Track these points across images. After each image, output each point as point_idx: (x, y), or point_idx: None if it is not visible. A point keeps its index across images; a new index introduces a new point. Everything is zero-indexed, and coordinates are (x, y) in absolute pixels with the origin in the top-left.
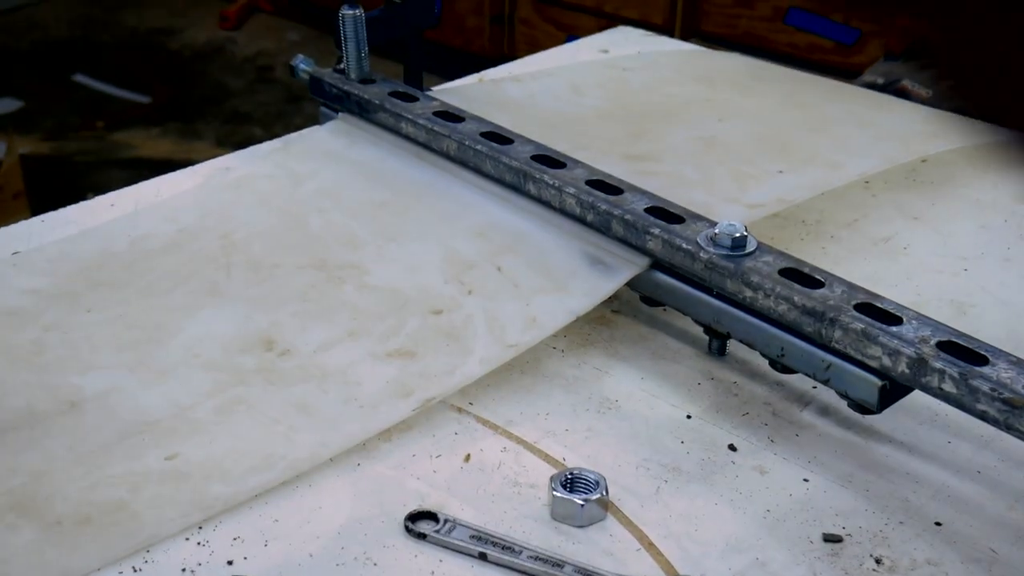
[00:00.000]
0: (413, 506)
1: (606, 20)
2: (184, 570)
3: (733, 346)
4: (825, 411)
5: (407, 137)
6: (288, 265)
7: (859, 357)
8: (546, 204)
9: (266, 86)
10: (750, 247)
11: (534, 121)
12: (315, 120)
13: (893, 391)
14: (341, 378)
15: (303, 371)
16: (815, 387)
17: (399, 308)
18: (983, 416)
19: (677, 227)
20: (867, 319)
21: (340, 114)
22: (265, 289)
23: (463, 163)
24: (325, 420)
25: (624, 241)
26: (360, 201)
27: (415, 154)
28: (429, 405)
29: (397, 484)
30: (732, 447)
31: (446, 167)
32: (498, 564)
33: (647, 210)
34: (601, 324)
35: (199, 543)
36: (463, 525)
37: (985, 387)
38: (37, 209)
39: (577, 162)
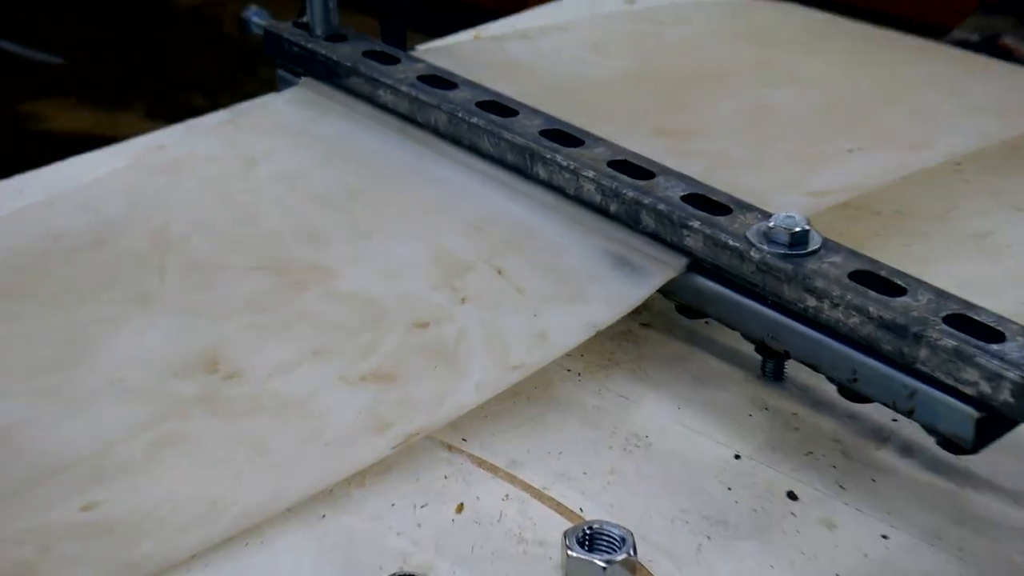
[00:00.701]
0: (393, 568)
1: None
2: None
3: (792, 368)
4: (908, 450)
5: (385, 108)
6: (237, 267)
7: (951, 382)
8: (559, 191)
9: (211, 44)
10: (813, 244)
11: (544, 87)
12: (271, 87)
13: (993, 425)
14: (303, 408)
15: (255, 400)
16: (895, 420)
17: (375, 320)
18: None
19: (722, 219)
20: (961, 335)
21: (302, 79)
22: (208, 297)
23: (455, 140)
24: (283, 460)
25: (656, 237)
26: (327, 188)
27: (396, 129)
28: (413, 441)
29: (372, 541)
30: (792, 495)
31: (434, 145)
32: None
33: (685, 198)
34: (628, 340)
35: None
36: None
37: None
38: None
39: (598, 139)
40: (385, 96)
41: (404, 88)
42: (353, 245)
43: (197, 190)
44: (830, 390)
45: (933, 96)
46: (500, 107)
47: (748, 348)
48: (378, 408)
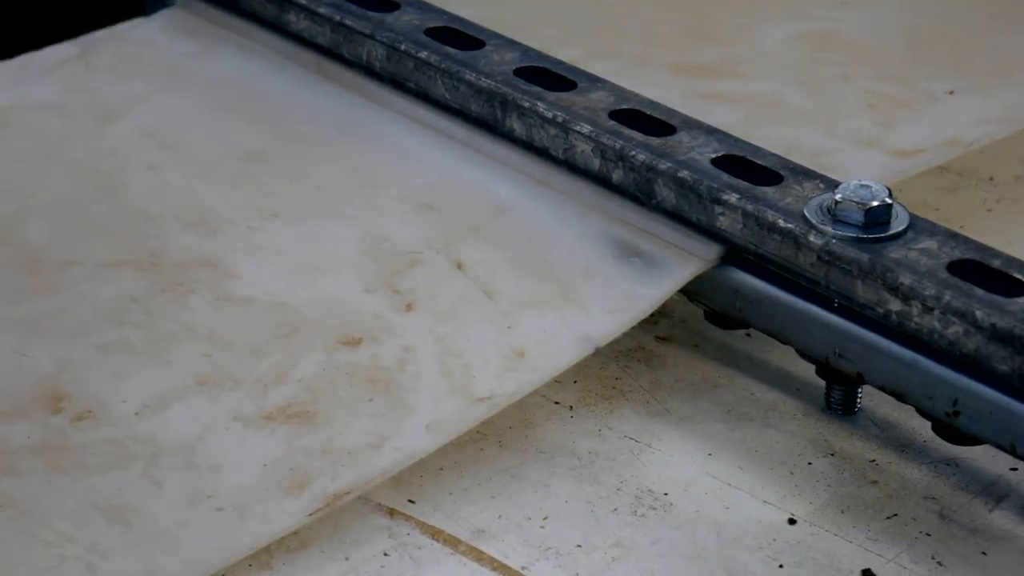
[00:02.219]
0: None
1: None
2: None
3: (869, 398)
4: None
5: (298, 38)
6: (91, 262)
7: None
8: (541, 153)
9: None
10: (898, 224)
11: (520, 7)
12: (137, 8)
13: None
14: (185, 459)
15: (118, 448)
16: (1015, 468)
17: (286, 336)
18: None
19: (769, 191)
20: None
21: None
22: (48, 305)
23: (396, 83)
24: (156, 535)
25: (677, 216)
26: (217, 150)
27: (313, 67)
28: (338, 504)
29: None
30: (869, 574)
31: (366, 90)
32: None
33: (717, 161)
34: (639, 361)
35: None
36: None
37: None
38: None
39: (595, 79)
40: (297, 20)
41: (324, 9)
42: (254, 231)
43: (31, 154)
44: (922, 428)
45: None
46: (459, 35)
47: (807, 370)
48: (291, 459)
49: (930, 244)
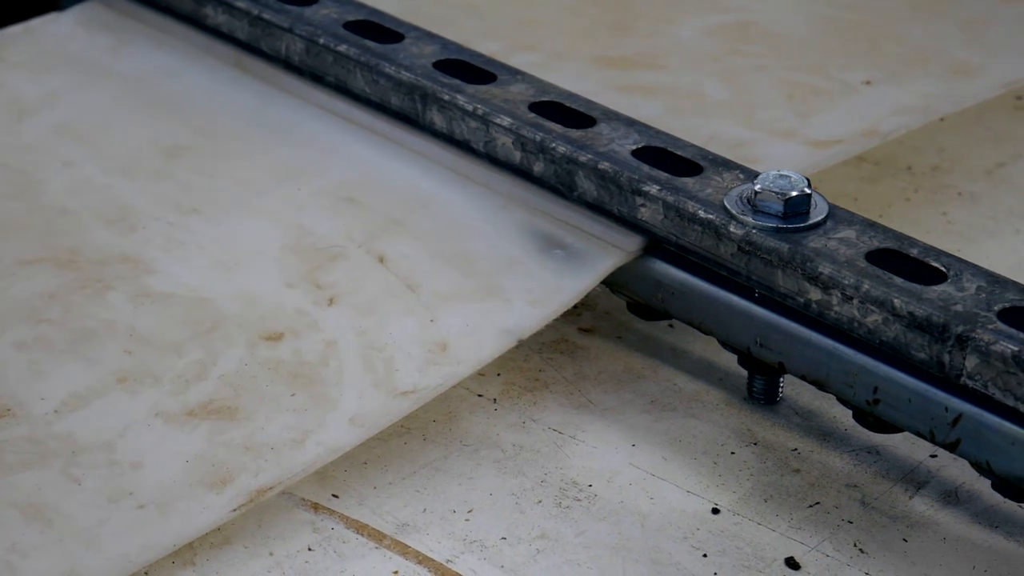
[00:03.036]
0: None
1: None
2: None
3: (791, 387)
4: (951, 497)
5: (216, 32)
6: (7, 259)
7: (1009, 402)
8: (462, 146)
9: None
10: (817, 214)
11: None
12: (50, 3)
13: None
14: (106, 456)
15: (36, 446)
16: (934, 455)
17: (207, 332)
18: None
19: (689, 181)
20: (1023, 335)
21: None
22: None
23: (315, 76)
24: (78, 532)
25: (598, 208)
26: (135, 146)
27: (232, 62)
28: (261, 500)
29: None
30: (792, 563)
31: (286, 84)
32: None
33: (637, 153)
34: (562, 353)
35: None
36: None
37: None
38: None
39: (515, 71)
40: (215, 14)
41: (242, 3)
42: (173, 226)
43: None
44: (843, 416)
45: (983, 5)
46: (378, 29)
47: (729, 360)
48: (213, 455)
49: (849, 233)
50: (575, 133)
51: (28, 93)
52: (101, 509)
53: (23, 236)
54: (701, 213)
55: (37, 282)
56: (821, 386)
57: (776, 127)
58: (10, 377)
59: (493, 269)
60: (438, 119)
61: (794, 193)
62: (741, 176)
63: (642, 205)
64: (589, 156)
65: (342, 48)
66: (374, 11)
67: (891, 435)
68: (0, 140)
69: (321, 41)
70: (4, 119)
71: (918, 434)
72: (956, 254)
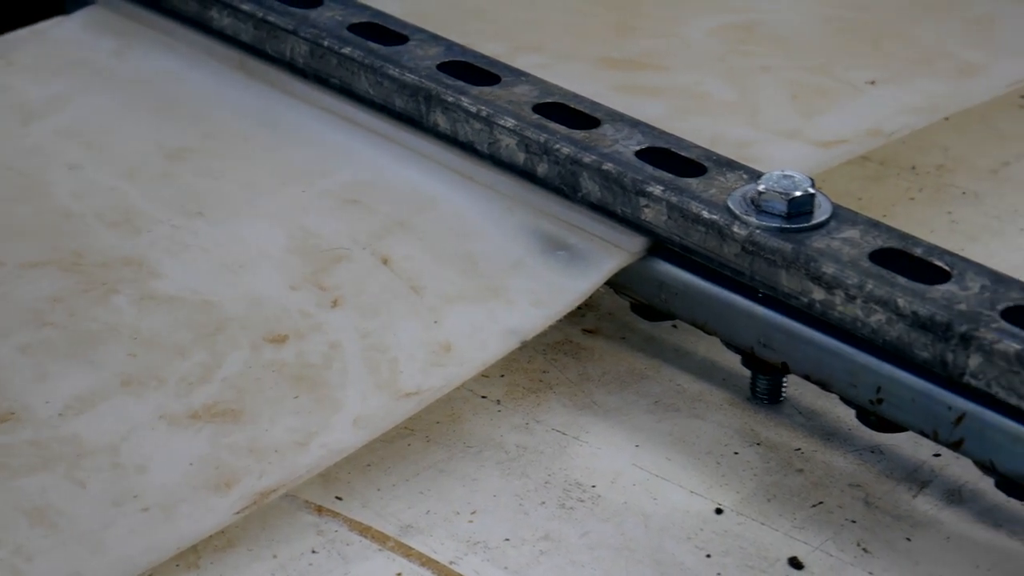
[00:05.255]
0: None
1: None
2: None
3: (794, 387)
4: (955, 497)
5: (221, 35)
6: (12, 262)
7: (1013, 401)
8: (466, 147)
9: None
10: (821, 215)
11: (443, 2)
12: (57, 7)
13: None
14: (110, 459)
15: (40, 449)
16: (938, 455)
17: (211, 334)
18: None
19: (693, 182)
20: None
21: None
22: None
23: (320, 79)
24: (82, 535)
25: (602, 209)
26: (140, 149)
27: (236, 64)
28: (265, 502)
29: None
30: (795, 562)
31: (290, 86)
32: None
33: (641, 154)
34: (566, 354)
35: None
36: None
37: None
38: None
39: (520, 73)
40: (220, 17)
41: (247, 6)
42: (177, 229)
43: None
44: (846, 416)
45: (988, 4)
46: (383, 31)
47: (732, 360)
48: (217, 457)
49: (852, 233)
50: (579, 134)
51: (34, 96)
52: (105, 512)
53: (28, 239)
54: (705, 214)
55: (42, 285)
56: (824, 386)
57: (780, 127)
58: (15, 380)
59: (497, 270)
60: (442, 121)
61: (798, 193)
62: (745, 176)
63: (646, 206)
64: (593, 157)
65: (346, 50)
66: (378, 13)
67: (895, 434)
68: (5, 143)
69: (325, 43)
70: (10, 122)
71: (922, 433)
72: (960, 253)
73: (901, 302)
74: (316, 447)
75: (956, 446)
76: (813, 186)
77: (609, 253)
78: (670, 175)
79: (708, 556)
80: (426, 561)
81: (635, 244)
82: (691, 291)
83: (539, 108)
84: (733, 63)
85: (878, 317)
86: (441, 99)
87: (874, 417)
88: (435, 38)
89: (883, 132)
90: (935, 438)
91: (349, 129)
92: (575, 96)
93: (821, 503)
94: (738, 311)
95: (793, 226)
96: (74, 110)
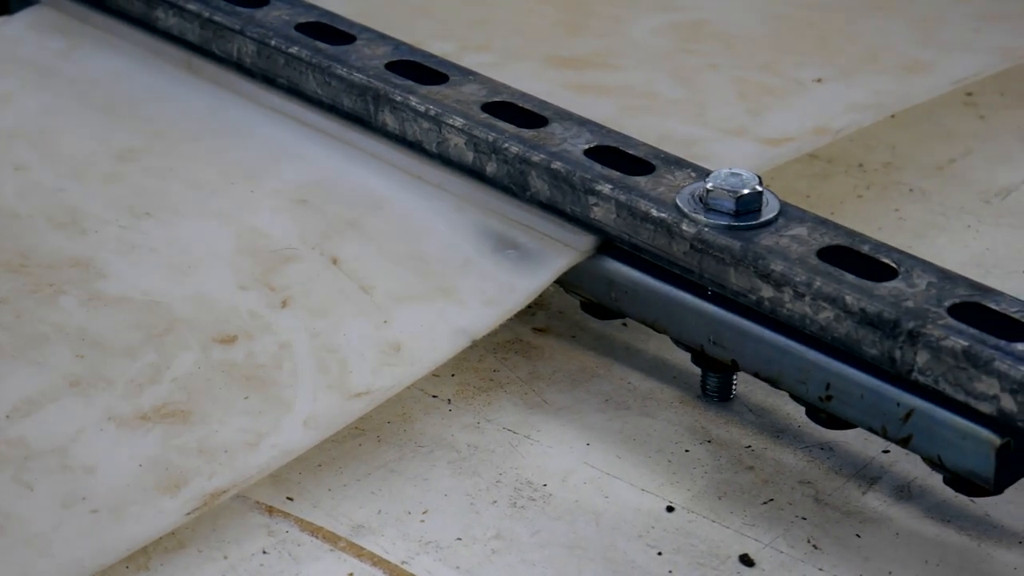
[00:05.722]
0: None
1: None
2: None
3: (744, 384)
4: (904, 492)
5: (167, 35)
6: None
7: (960, 397)
8: (414, 147)
9: None
10: (769, 212)
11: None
12: (1, 7)
13: (1020, 455)
14: (58, 461)
15: None
16: (887, 451)
17: (160, 335)
18: None
19: (642, 180)
20: (973, 331)
21: None
22: None
23: (267, 79)
24: (30, 539)
25: (551, 207)
26: (86, 149)
27: (182, 65)
28: (215, 503)
29: None
30: (746, 560)
31: (237, 86)
32: None
33: (590, 152)
34: (516, 353)
35: None
36: None
37: None
38: None
39: (468, 72)
40: (166, 17)
41: (193, 5)
42: (125, 229)
43: None
44: (796, 413)
45: (933, 2)
46: (330, 30)
47: (683, 358)
48: (167, 458)
49: (800, 231)
50: (528, 133)
51: None
52: (54, 514)
53: None
54: (653, 212)
55: None
56: (774, 383)
57: (728, 125)
58: None
59: (447, 270)
60: (391, 120)
61: (746, 191)
62: (693, 174)
63: (595, 204)
64: (542, 156)
65: (294, 50)
66: (325, 13)
67: (844, 431)
68: None
69: (272, 43)
70: None
71: (870, 430)
72: (908, 250)
73: (849, 299)
74: (266, 447)
75: (904, 442)
76: (761, 184)
77: (559, 252)
78: (619, 173)
79: (660, 554)
80: (378, 561)
81: (584, 242)
82: (641, 289)
83: (488, 107)
84: (680, 61)
85: (826, 314)
86: (389, 98)
87: (823, 414)
88: (383, 37)
89: (830, 130)
90: (884, 434)
91: (298, 129)
92: (523, 95)
93: (771, 500)
94: (688, 309)
95: (741, 224)
96: (19, 110)
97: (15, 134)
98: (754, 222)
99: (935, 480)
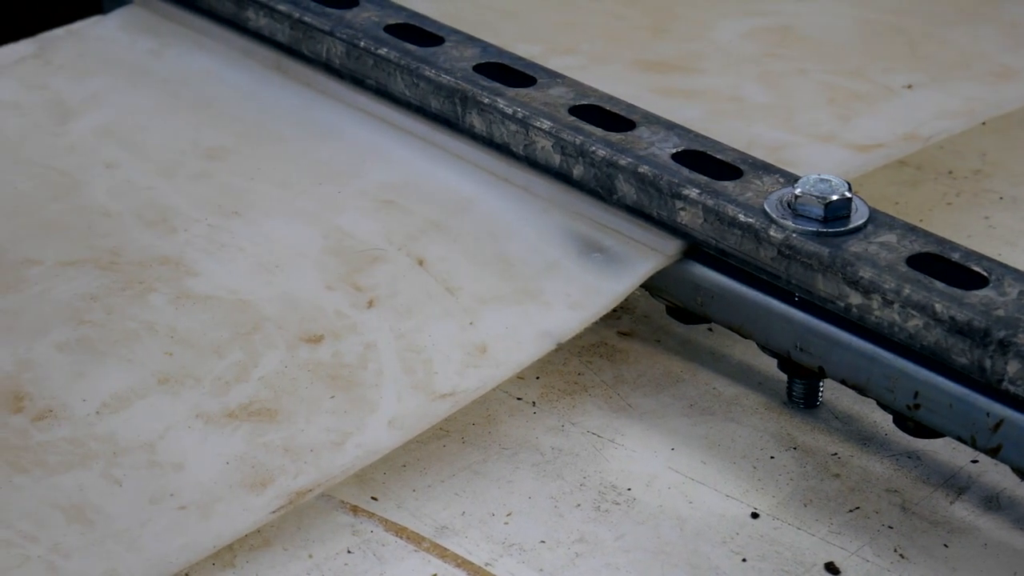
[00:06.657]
0: None
1: None
2: None
3: (831, 391)
4: (993, 503)
5: (258, 35)
6: (49, 261)
7: None
8: (502, 149)
9: None
10: (858, 219)
11: (480, 2)
12: (94, 6)
13: None
14: (146, 458)
15: (77, 447)
16: (975, 461)
17: (247, 334)
18: None
19: (729, 185)
20: None
21: None
22: (9, 304)
23: (356, 80)
24: (118, 534)
25: (638, 211)
26: (176, 148)
27: (273, 65)
28: (301, 501)
29: None
30: (832, 568)
31: (326, 87)
32: None
33: (677, 156)
34: (601, 356)
35: None
36: None
37: None
38: None
39: (556, 74)
40: (256, 18)
41: (283, 6)
42: (213, 228)
43: None
44: (883, 421)
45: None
46: (419, 32)
47: (769, 364)
48: (253, 456)
49: (889, 238)
50: (615, 136)
51: (71, 95)
52: (142, 510)
53: (65, 237)
54: (741, 217)
55: (79, 283)
56: (861, 390)
57: (817, 131)
58: (52, 378)
59: (532, 272)
60: (478, 122)
61: (835, 197)
62: (781, 180)
63: (682, 209)
64: (629, 160)
65: (382, 51)
66: (414, 14)
67: (932, 440)
68: (43, 142)
69: (362, 44)
70: (47, 121)
71: (959, 439)
72: (998, 258)
73: (938, 307)
74: (352, 447)
75: (994, 452)
76: (850, 190)
77: (645, 256)
78: (706, 178)
79: (744, 560)
80: (461, 562)
81: (671, 247)
82: (727, 294)
83: (575, 110)
84: (767, 66)
85: (915, 322)
86: (477, 100)
87: (911, 422)
88: (471, 39)
89: (920, 136)
90: (973, 444)
91: (385, 130)
92: (611, 98)
93: (858, 508)
94: (774, 315)
95: (830, 230)
96: (111, 109)
97: (106, 133)
98: (843, 228)
99: None
